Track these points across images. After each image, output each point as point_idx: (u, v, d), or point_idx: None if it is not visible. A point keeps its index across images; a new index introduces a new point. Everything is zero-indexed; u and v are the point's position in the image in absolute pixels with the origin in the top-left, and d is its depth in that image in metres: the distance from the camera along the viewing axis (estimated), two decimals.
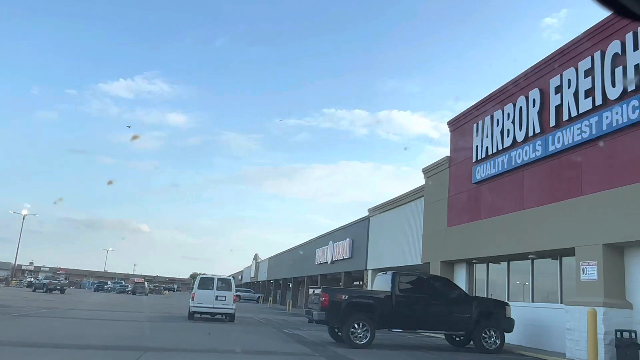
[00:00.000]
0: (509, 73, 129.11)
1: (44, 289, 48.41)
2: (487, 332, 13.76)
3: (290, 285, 58.49)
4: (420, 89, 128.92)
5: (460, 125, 19.48)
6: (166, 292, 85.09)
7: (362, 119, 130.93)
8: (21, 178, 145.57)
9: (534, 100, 15.00)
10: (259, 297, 63.42)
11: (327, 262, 37.04)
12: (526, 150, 15.07)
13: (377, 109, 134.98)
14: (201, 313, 20.67)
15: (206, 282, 20.87)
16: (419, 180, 22.22)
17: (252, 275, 79.30)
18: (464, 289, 16.86)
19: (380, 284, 14.61)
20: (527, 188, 15.05)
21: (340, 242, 34.04)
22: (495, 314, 14.05)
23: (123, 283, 76.19)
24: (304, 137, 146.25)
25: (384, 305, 13.34)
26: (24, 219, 65.53)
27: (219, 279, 21.27)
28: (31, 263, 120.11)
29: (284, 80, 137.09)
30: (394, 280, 13.64)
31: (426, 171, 21.94)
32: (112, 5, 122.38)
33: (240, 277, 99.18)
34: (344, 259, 33.10)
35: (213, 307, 20.41)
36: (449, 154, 20.17)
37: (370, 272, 28.19)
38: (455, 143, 19.84)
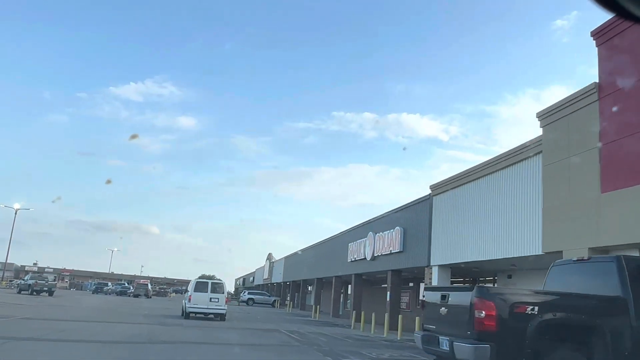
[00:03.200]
0: (516, 74, 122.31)
1: (29, 291, 41.90)
2: None
3: (310, 288, 51.43)
4: (429, 91, 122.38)
5: (619, 32, 12.14)
6: (172, 294, 78.85)
7: (371, 122, 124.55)
8: (31, 181, 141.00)
9: None
10: (274, 300, 56.65)
11: (365, 259, 29.70)
12: None
13: (386, 112, 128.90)
14: (196, 313, 22.83)
15: (201, 286, 23.13)
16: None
17: (265, 276, 72.17)
18: None
19: (573, 281, 7.24)
20: None
21: (386, 232, 26.70)
22: None
23: (125, 284, 69.67)
24: (313, 140, 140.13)
25: (614, 327, 6.02)
26: (16, 213, 59.34)
27: (212, 283, 23.80)
28: (35, 264, 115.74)
29: (292, 83, 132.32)
30: (623, 274, 6.26)
31: (544, 115, 14.58)
32: (123, 9, 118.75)
33: (251, 278, 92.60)
34: (391, 254, 25.74)
35: (207, 308, 22.74)
36: (596, 80, 12.84)
37: (435, 269, 20.90)
38: (611, 60, 12.52)
